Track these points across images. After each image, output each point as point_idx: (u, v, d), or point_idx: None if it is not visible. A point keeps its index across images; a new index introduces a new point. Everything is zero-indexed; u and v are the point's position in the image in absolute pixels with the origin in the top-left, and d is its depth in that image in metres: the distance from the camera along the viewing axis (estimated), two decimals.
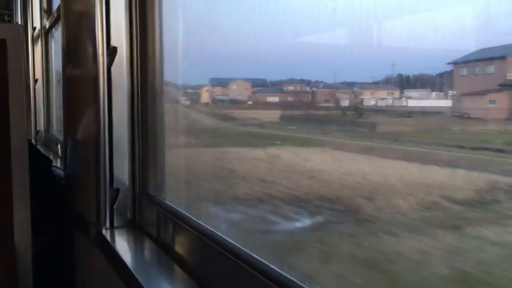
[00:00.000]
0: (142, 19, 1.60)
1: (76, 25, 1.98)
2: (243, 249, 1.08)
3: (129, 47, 1.63)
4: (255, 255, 1.04)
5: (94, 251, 1.65)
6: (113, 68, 1.61)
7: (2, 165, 1.82)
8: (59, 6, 2.95)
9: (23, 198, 1.84)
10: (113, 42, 1.61)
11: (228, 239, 1.14)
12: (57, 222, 2.13)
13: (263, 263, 1.00)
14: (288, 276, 0.94)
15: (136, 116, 1.64)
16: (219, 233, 1.18)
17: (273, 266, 0.98)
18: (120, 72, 1.63)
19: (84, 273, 2.00)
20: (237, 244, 1.10)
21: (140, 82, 1.62)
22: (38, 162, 2.15)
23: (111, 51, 1.61)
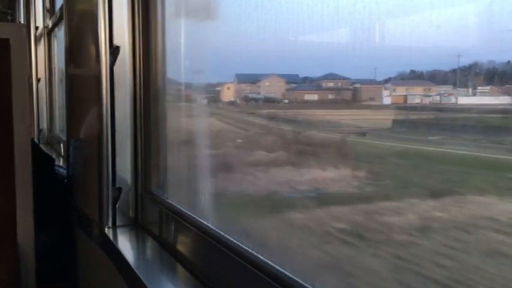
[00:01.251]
0: (145, 18, 1.60)
1: (79, 24, 1.98)
2: (245, 247, 1.08)
3: (131, 46, 1.63)
4: (257, 254, 1.04)
5: (96, 250, 1.66)
6: (115, 67, 1.62)
7: (5, 164, 1.82)
8: (61, 6, 2.96)
9: (26, 197, 1.85)
10: (116, 42, 1.62)
11: (230, 238, 1.14)
12: (60, 221, 2.14)
13: (265, 261, 1.00)
14: (290, 275, 0.94)
15: (139, 115, 1.64)
16: (221, 232, 1.18)
17: (274, 265, 0.98)
18: (123, 71, 1.63)
19: (87, 271, 2.00)
20: (239, 243, 1.11)
21: (143, 81, 1.63)
22: (41, 162, 2.16)
23: (114, 51, 1.61)
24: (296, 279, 0.93)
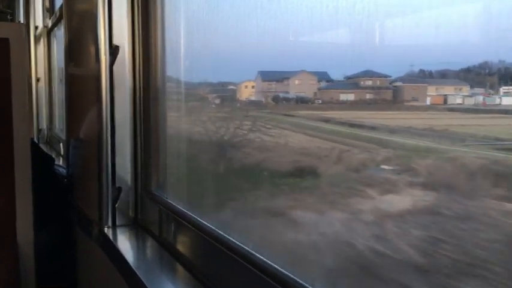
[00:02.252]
0: (145, 17, 1.60)
1: (78, 24, 1.98)
2: (245, 247, 1.08)
3: (131, 45, 1.63)
4: (256, 254, 1.04)
5: (96, 250, 1.66)
6: (115, 67, 1.62)
7: (4, 164, 1.82)
8: (61, 5, 2.96)
9: (26, 196, 1.85)
10: (115, 41, 1.61)
11: (230, 238, 1.14)
12: (60, 221, 2.14)
13: (265, 261, 1.00)
14: (289, 274, 0.94)
15: (139, 114, 1.64)
16: (220, 232, 1.18)
17: (274, 265, 0.98)
18: (123, 71, 1.63)
19: (86, 271, 2.00)
20: (238, 242, 1.11)
21: (142, 81, 1.63)
22: (41, 161, 2.15)
23: (114, 50, 1.61)
24: (296, 279, 0.93)
